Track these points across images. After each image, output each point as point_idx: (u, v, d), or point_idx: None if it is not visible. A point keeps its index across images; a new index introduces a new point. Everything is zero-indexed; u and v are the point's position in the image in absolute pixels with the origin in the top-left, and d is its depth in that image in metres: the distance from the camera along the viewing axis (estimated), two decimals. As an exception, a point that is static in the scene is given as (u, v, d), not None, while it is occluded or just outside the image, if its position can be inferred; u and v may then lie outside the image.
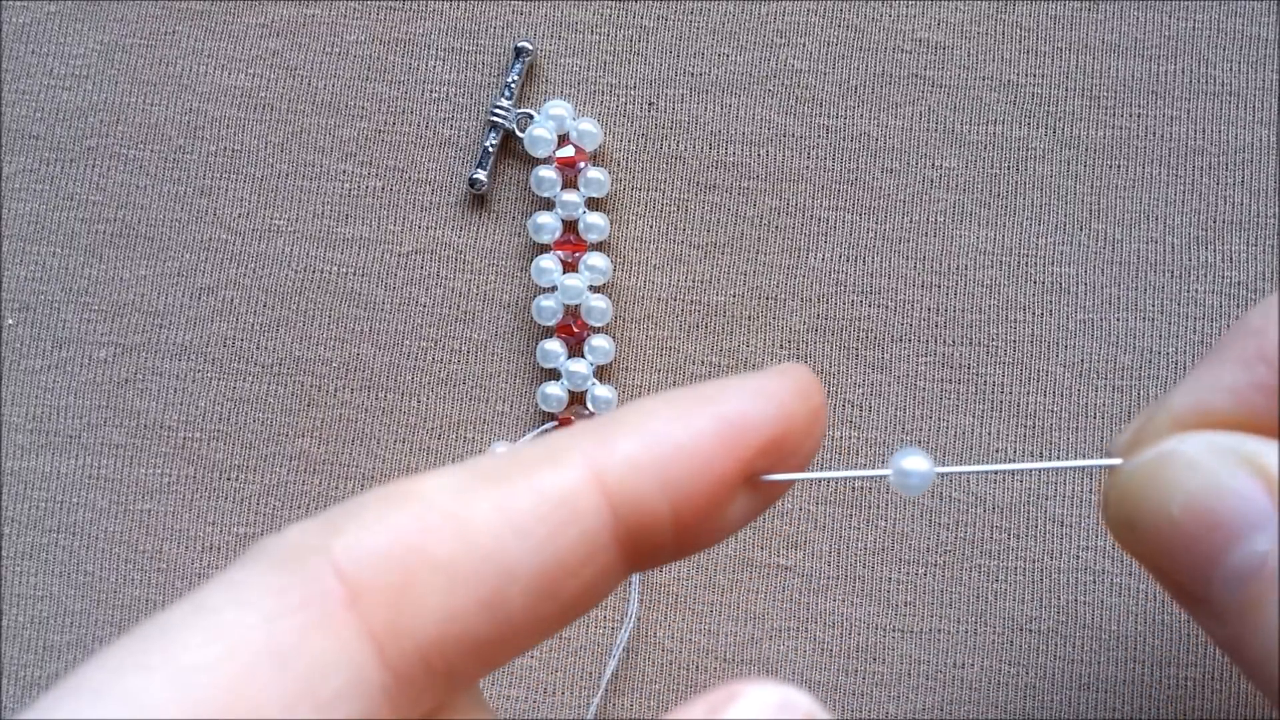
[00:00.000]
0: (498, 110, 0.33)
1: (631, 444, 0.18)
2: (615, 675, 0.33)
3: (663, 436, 0.18)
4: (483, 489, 0.17)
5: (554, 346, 0.33)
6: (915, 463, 0.20)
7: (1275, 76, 0.33)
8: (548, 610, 0.17)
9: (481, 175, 0.33)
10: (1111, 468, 0.20)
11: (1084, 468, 0.20)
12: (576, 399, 0.33)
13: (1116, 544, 0.20)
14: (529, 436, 0.33)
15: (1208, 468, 0.18)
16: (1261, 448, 0.18)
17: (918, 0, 0.33)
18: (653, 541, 0.18)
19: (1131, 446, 0.20)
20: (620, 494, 0.17)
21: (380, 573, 0.16)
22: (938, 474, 0.21)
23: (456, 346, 0.34)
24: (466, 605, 0.16)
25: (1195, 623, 0.20)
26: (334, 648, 0.16)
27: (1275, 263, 0.32)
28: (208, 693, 0.15)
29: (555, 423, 0.33)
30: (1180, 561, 0.18)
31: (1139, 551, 0.20)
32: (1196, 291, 0.33)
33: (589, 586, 0.18)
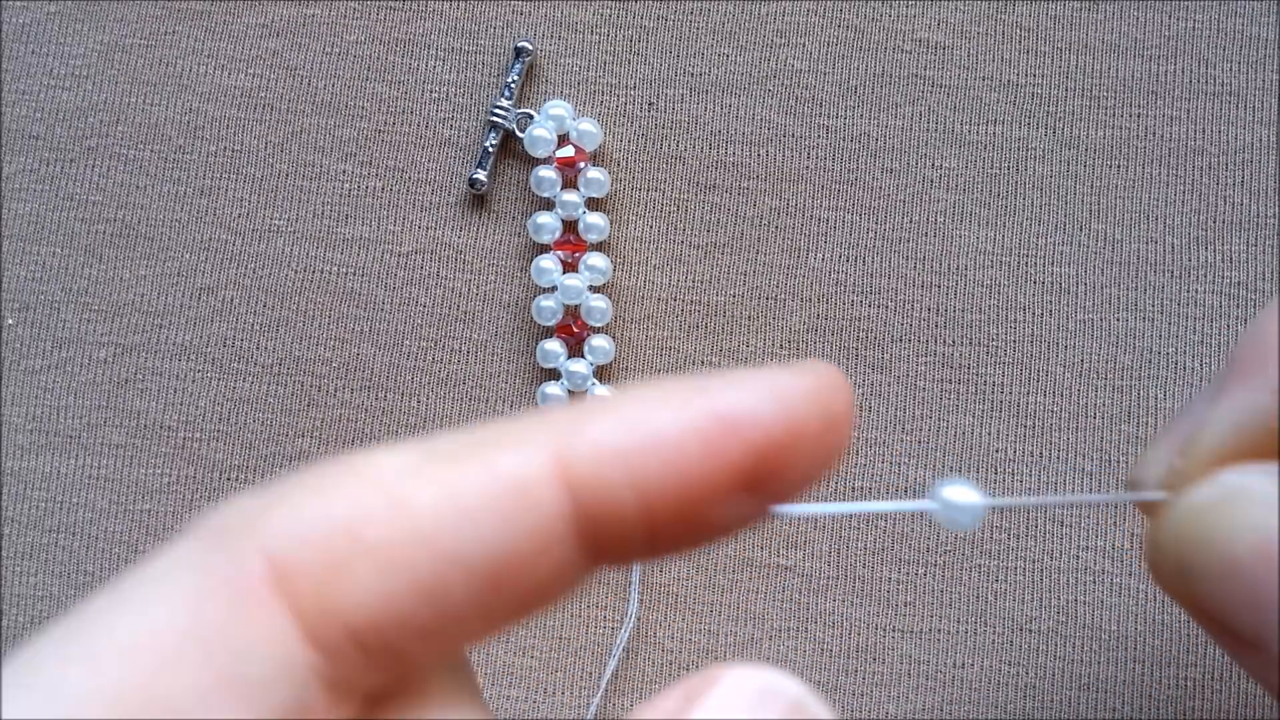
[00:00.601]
0: (498, 110, 0.33)
1: (602, 430, 0.16)
2: (615, 675, 0.33)
3: (638, 425, 0.16)
4: (432, 468, 0.16)
5: (554, 346, 0.33)
6: (962, 494, 0.18)
7: (1275, 76, 0.33)
8: (498, 600, 0.16)
9: (481, 175, 0.33)
10: (1158, 508, 0.18)
11: (1134, 500, 0.18)
12: (577, 399, 0.33)
13: (1162, 590, 0.19)
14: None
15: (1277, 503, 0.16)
16: None
17: (918, 0, 0.33)
18: (619, 538, 0.16)
19: (1172, 480, 0.18)
20: (582, 484, 0.16)
21: (309, 552, 0.15)
22: (986, 508, 0.18)
23: (456, 346, 0.34)
24: (401, 589, 0.15)
25: (1247, 672, 0.18)
26: (257, 627, 0.15)
27: (1275, 263, 0.32)
28: (128, 681, 0.15)
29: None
30: (1244, 608, 0.17)
31: (1193, 597, 0.18)
32: (1196, 291, 0.33)
33: (546, 579, 0.16)
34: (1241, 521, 0.16)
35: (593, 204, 0.34)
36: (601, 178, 0.33)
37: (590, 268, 0.33)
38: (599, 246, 0.34)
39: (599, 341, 0.33)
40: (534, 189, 0.33)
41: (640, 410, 0.16)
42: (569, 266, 0.33)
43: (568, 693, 0.33)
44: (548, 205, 0.34)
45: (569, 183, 0.34)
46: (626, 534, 0.16)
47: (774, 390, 0.16)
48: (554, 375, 0.33)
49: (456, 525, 0.16)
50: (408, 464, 0.16)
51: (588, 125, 0.33)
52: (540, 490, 0.16)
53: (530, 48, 0.34)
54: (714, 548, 0.33)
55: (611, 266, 0.33)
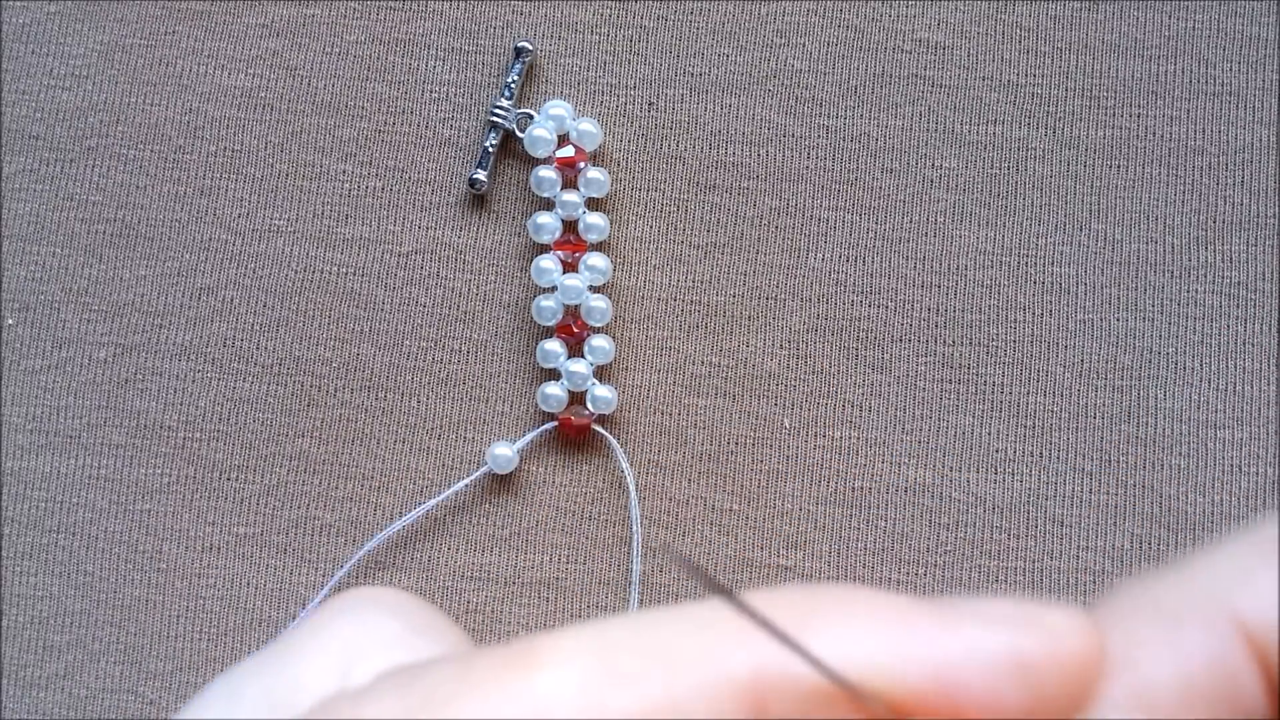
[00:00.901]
0: (498, 110, 0.33)
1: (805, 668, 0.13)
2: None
3: (848, 663, 0.13)
4: (611, 690, 0.13)
5: (554, 346, 0.33)
6: None
7: (1275, 76, 0.33)
8: None
9: (482, 175, 0.33)
10: None
11: None
12: (576, 399, 0.33)
13: None
14: (528, 437, 0.33)
15: None
16: None
17: (918, 0, 0.33)
18: None
19: None
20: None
21: None
22: None
23: (456, 346, 0.34)
24: None
25: None
26: None
27: (1275, 263, 0.32)
28: None
29: (555, 423, 0.33)
30: None
31: None
32: (1196, 291, 0.33)
33: None
34: None
35: (593, 204, 0.34)
36: (601, 178, 0.33)
37: (590, 268, 0.33)
38: (599, 246, 0.34)
39: (599, 342, 0.33)
40: (534, 189, 0.33)
41: (848, 646, 0.14)
42: (569, 266, 0.33)
43: (568, 693, 0.33)
44: (548, 205, 0.34)
45: (569, 183, 0.34)
46: None
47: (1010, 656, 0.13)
48: (554, 375, 0.33)
49: None
50: (585, 681, 0.14)
51: (588, 125, 0.33)
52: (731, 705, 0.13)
53: (530, 48, 0.34)
54: (714, 548, 0.33)
55: (611, 266, 0.33)
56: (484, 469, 0.33)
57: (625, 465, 0.33)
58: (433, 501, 0.33)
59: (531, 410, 0.33)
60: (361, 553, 0.33)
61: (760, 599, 0.14)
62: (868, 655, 0.13)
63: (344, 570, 0.33)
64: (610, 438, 0.33)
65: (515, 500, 0.33)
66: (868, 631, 0.13)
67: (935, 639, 0.13)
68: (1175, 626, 0.13)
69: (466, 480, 0.33)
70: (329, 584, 0.33)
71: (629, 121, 0.34)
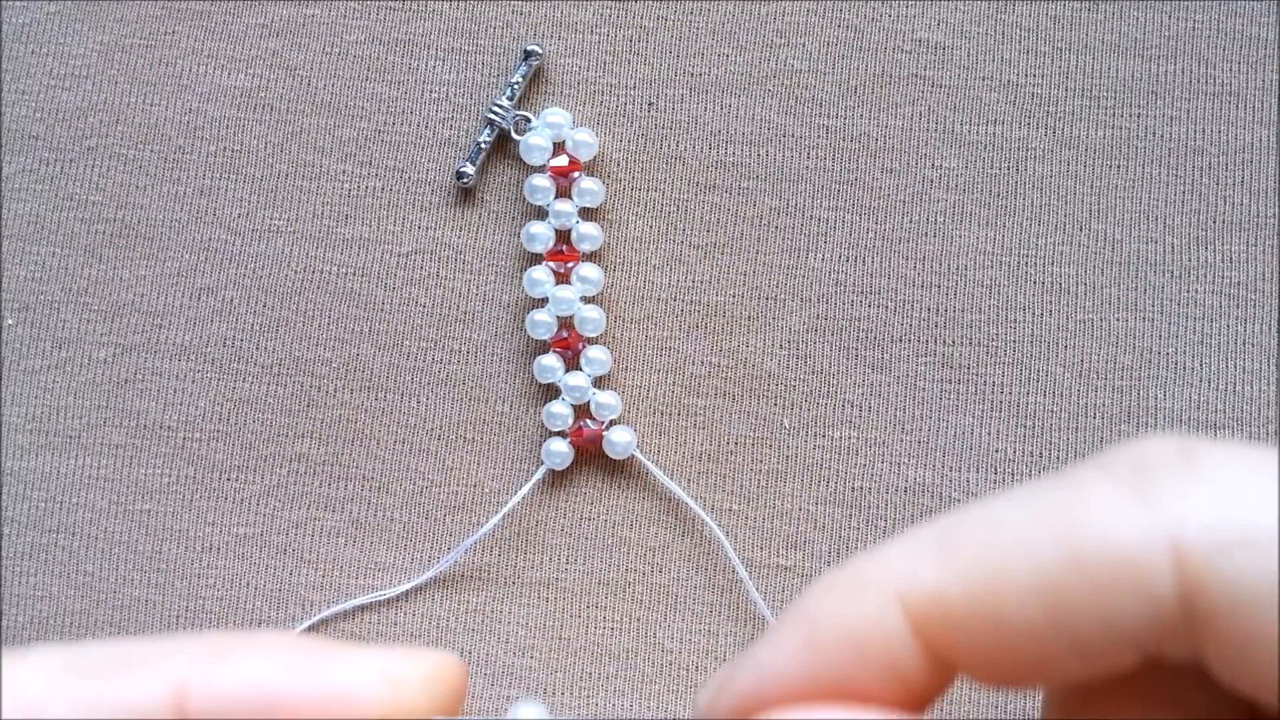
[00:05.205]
0: (496, 108, 0.33)
1: (227, 677, 0.18)
2: (615, 675, 0.33)
3: (257, 682, 0.18)
4: (70, 684, 0.18)
5: (550, 361, 0.33)
6: (530, 712, 0.19)
7: (1275, 76, 0.33)
8: None
9: (470, 169, 0.33)
10: None
11: None
12: (582, 411, 0.33)
13: None
14: (530, 483, 0.33)
15: None
16: None
17: (918, 0, 0.33)
18: None
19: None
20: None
21: None
22: None
23: (456, 347, 0.34)
24: None
25: None
26: None
27: (1275, 263, 0.32)
28: None
29: (566, 438, 0.33)
30: None
31: None
32: (1196, 291, 0.33)
33: None
34: None
35: (586, 214, 0.34)
36: (595, 188, 0.33)
37: (583, 279, 0.33)
38: (592, 257, 0.33)
39: (595, 353, 0.33)
40: (527, 197, 0.33)
41: (262, 669, 0.18)
42: (561, 277, 0.33)
43: (568, 693, 0.33)
44: (541, 214, 0.33)
45: (563, 192, 0.33)
46: None
47: (380, 675, 0.19)
48: (553, 391, 0.33)
49: None
50: (50, 674, 0.18)
51: (584, 135, 0.33)
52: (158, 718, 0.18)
53: (540, 51, 0.33)
54: (714, 548, 0.33)
55: (604, 277, 0.33)
56: (543, 468, 0.33)
57: (669, 483, 0.33)
58: (503, 511, 0.33)
59: (532, 410, 0.33)
60: (442, 565, 0.33)
61: (183, 641, 0.19)
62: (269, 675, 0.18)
63: (424, 578, 0.33)
64: (648, 462, 0.33)
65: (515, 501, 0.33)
66: (276, 658, 0.18)
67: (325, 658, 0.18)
68: (853, 595, 0.17)
69: (530, 483, 0.33)
70: (405, 585, 0.33)
71: (629, 121, 0.34)
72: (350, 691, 0.18)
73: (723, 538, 0.33)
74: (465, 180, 0.33)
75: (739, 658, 0.18)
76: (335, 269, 0.34)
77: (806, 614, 0.18)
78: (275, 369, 0.34)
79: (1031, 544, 0.16)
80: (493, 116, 0.33)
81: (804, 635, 0.18)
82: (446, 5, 0.34)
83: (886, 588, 0.17)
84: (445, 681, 0.19)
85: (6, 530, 0.34)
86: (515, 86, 0.34)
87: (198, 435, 0.34)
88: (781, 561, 0.33)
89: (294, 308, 0.34)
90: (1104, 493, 0.17)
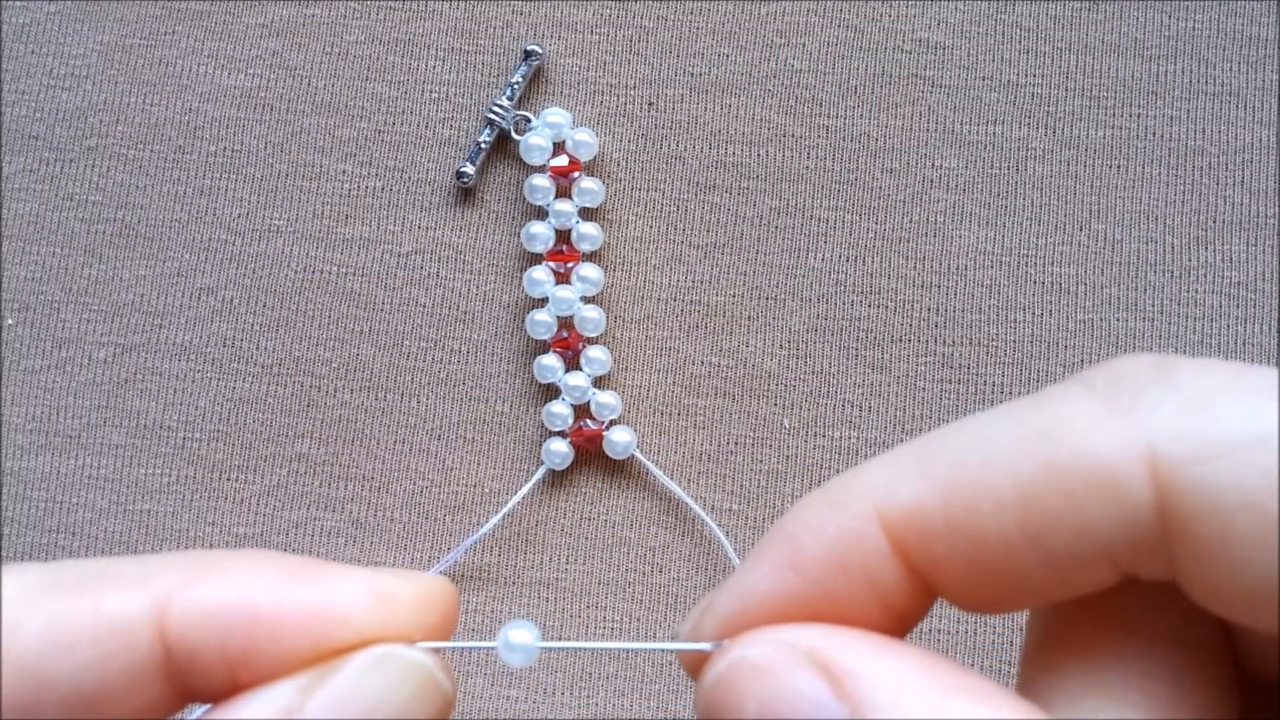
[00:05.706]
0: (496, 108, 0.33)
1: (211, 593, 0.18)
2: (615, 675, 0.33)
3: (241, 598, 0.18)
4: (47, 599, 0.17)
5: (550, 361, 0.33)
6: (520, 636, 0.19)
7: (1275, 76, 0.33)
8: None
9: (470, 169, 0.33)
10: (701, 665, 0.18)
11: (682, 650, 0.19)
12: (582, 411, 0.33)
13: None
14: (530, 483, 0.33)
15: (774, 670, 0.17)
16: (828, 641, 0.17)
17: (918, 0, 0.33)
18: (205, 688, 0.18)
19: (720, 635, 0.19)
20: (178, 638, 0.17)
21: None
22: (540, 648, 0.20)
23: (456, 347, 0.34)
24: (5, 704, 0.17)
25: None
26: None
27: (1275, 263, 0.32)
28: None
29: (566, 438, 0.33)
30: None
31: None
32: (1196, 291, 0.33)
33: (136, 710, 0.18)
34: (746, 692, 0.17)
35: (586, 214, 0.34)
36: (595, 188, 0.33)
37: (583, 279, 0.33)
38: (592, 257, 0.33)
39: (595, 353, 0.33)
40: (527, 196, 0.33)
41: (249, 583, 0.18)
42: (561, 277, 0.33)
43: (568, 693, 0.33)
44: (541, 214, 0.33)
45: (563, 192, 0.33)
46: (213, 688, 0.18)
47: (382, 593, 0.18)
48: (553, 391, 0.33)
49: (56, 654, 0.17)
50: (30, 590, 0.18)
51: (584, 135, 0.33)
52: (136, 635, 0.17)
53: (540, 51, 0.33)
54: (714, 548, 0.33)
55: (604, 277, 0.33)
56: (543, 468, 0.33)
57: (669, 483, 0.33)
58: (503, 511, 0.33)
59: (532, 410, 0.33)
60: (442, 565, 0.33)
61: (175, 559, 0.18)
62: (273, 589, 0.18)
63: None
64: (648, 462, 0.33)
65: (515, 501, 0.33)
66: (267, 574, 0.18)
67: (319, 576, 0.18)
68: (833, 513, 0.17)
69: (530, 484, 0.33)
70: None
71: (629, 121, 0.34)
72: (337, 608, 0.18)
73: (723, 538, 0.33)
74: (465, 180, 0.33)
75: (723, 581, 0.18)
76: (335, 269, 0.34)
77: (787, 533, 0.18)
78: (275, 369, 0.34)
79: (1007, 456, 0.16)
80: (493, 116, 0.33)
81: (785, 555, 0.18)
82: (446, 5, 0.34)
83: (866, 504, 0.17)
84: (436, 603, 0.19)
85: (6, 530, 0.34)
86: (515, 86, 0.34)
87: (198, 435, 0.34)
88: (781, 561, 0.33)
89: (294, 308, 0.34)
90: (1080, 406, 0.16)
